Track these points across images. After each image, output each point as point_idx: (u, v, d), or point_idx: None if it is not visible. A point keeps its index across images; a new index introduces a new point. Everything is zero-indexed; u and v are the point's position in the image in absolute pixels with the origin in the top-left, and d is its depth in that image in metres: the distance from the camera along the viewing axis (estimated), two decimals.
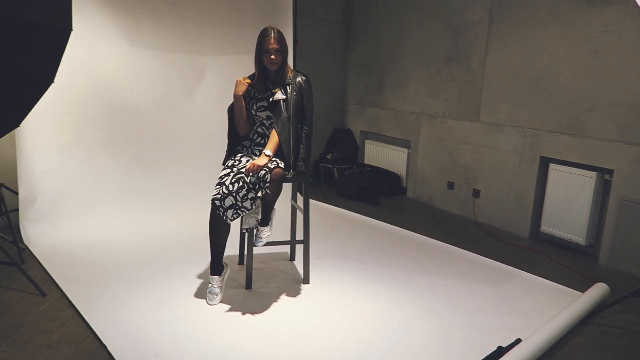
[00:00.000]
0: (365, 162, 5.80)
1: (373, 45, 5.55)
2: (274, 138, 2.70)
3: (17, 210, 3.55)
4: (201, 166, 4.31)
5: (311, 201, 4.17)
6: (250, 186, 2.56)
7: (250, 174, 2.56)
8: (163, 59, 4.08)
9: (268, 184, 2.51)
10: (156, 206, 4.02)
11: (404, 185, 5.34)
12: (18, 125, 2.34)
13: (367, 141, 5.81)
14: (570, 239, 3.73)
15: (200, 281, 2.96)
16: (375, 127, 5.65)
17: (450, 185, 4.73)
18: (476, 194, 4.46)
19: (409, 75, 5.11)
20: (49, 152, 3.61)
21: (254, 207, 2.60)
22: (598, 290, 2.87)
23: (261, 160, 2.58)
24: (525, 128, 3.98)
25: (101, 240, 3.53)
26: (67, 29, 2.34)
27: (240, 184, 2.58)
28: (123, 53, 3.86)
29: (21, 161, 3.50)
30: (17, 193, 3.53)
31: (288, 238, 3.35)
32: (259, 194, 2.55)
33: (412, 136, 5.14)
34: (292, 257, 3.36)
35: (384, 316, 2.65)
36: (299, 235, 3.26)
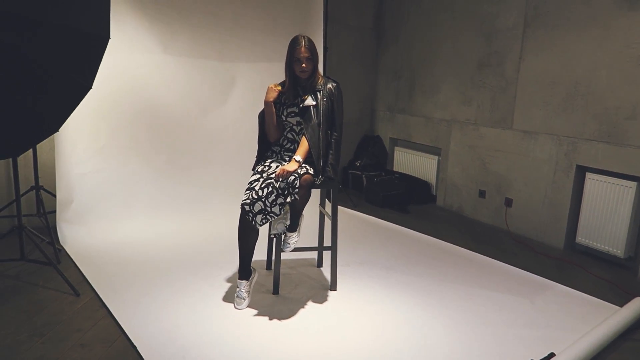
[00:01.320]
0: (395, 169, 5.76)
1: (404, 51, 5.51)
2: (304, 144, 2.71)
3: (54, 212, 3.66)
4: (232, 171, 4.36)
5: (339, 208, 4.17)
6: (280, 192, 2.57)
7: (280, 179, 2.57)
8: (196, 66, 4.16)
9: (297, 190, 2.52)
10: (187, 210, 4.08)
11: (434, 193, 5.27)
12: (57, 130, 2.42)
13: (396, 148, 5.77)
14: (608, 251, 3.60)
15: (228, 285, 2.98)
16: (405, 134, 5.61)
17: (482, 194, 4.64)
18: (508, 202, 4.36)
19: (440, 82, 5.05)
20: (85, 156, 3.71)
21: (282, 212, 2.61)
22: (637, 304, 2.76)
23: (291, 166, 2.59)
24: (560, 136, 3.88)
25: (134, 242, 3.60)
26: (105, 37, 2.41)
27: (270, 189, 2.59)
28: (158, 60, 3.95)
29: (59, 165, 3.61)
30: (55, 195, 3.64)
31: (316, 244, 3.34)
32: (288, 200, 2.56)
33: (443, 143, 5.07)
34: (320, 264, 3.36)
35: (411, 326, 2.61)
36: (327, 242, 3.25)
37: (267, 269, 3.27)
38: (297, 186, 2.52)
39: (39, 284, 2.91)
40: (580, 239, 3.79)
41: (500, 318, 2.72)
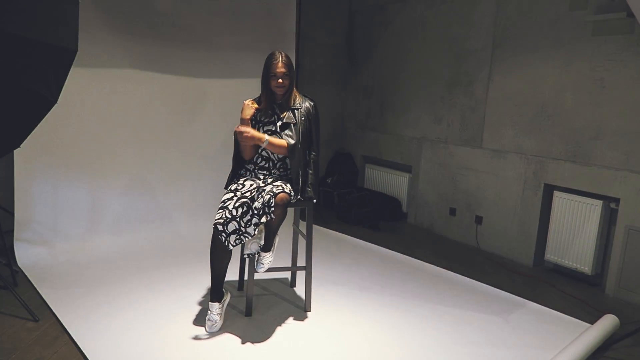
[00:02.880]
0: (365, 186, 5.76)
1: (375, 70, 5.56)
2: (279, 140, 2.67)
3: (11, 231, 3.47)
4: (202, 188, 4.27)
5: (303, 223, 4.11)
6: (255, 211, 2.50)
7: (242, 134, 2.59)
8: (166, 81, 4.06)
9: (273, 209, 2.46)
10: (156, 229, 3.95)
11: (405, 211, 5.29)
12: (19, 146, 2.29)
13: (367, 165, 5.78)
14: (576, 268, 3.67)
15: (199, 307, 2.87)
16: (376, 151, 5.63)
17: (452, 212, 4.68)
18: (479, 220, 4.41)
19: (410, 101, 5.11)
20: (46, 172, 3.55)
21: (257, 232, 2.54)
22: (608, 322, 2.81)
23: (257, 135, 2.62)
24: (529, 155, 3.96)
25: (98, 263, 3.45)
26: (73, 50, 2.31)
27: (245, 208, 2.52)
28: (126, 74, 3.84)
29: (18, 180, 3.43)
30: (12, 213, 3.45)
31: (289, 263, 3.28)
32: (263, 220, 2.49)
33: (414, 161, 5.11)
34: (293, 284, 3.28)
35: (389, 346, 2.56)
36: (300, 261, 3.19)
37: (239, 289, 3.17)
38: (272, 205, 2.46)
39: None
40: (549, 256, 3.85)
41: (476, 338, 2.71)
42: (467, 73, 4.46)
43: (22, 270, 3.26)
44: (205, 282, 3.17)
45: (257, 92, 4.57)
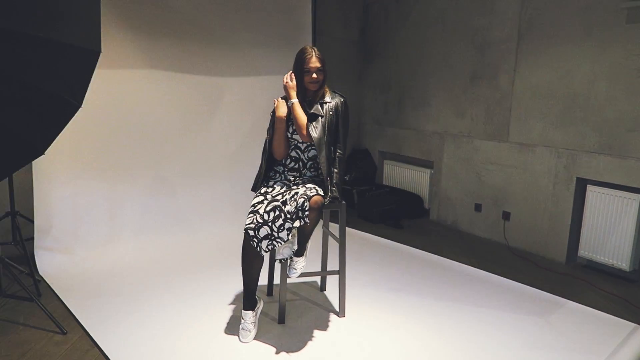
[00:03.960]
0: (384, 182, 5.64)
1: (392, 64, 5.43)
2: (303, 115, 2.58)
3: (32, 239, 3.38)
4: (221, 190, 4.18)
5: (333, 225, 4.02)
6: (288, 215, 2.39)
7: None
8: (184, 81, 3.96)
9: (307, 213, 2.35)
10: (178, 233, 3.86)
11: (427, 207, 5.17)
12: (43, 153, 2.19)
13: (385, 161, 5.66)
14: (613, 265, 3.54)
15: (230, 315, 2.77)
16: (394, 147, 5.51)
17: (478, 207, 4.56)
18: (506, 216, 4.28)
19: (431, 94, 4.98)
20: (66, 178, 3.46)
21: (290, 237, 2.43)
22: None
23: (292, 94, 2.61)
24: (559, 148, 3.83)
25: (121, 269, 3.35)
26: (96, 51, 2.21)
27: (277, 213, 2.41)
28: (144, 75, 3.74)
29: (37, 188, 3.35)
30: (32, 221, 3.37)
31: (319, 267, 3.17)
32: (297, 224, 2.38)
33: (435, 156, 4.99)
34: (323, 287, 3.18)
35: (429, 353, 2.46)
36: (331, 265, 3.09)
37: (268, 295, 3.07)
38: (307, 209, 2.35)
39: (20, 321, 2.64)
40: (583, 252, 3.73)
41: (518, 341, 2.60)
42: (491, 65, 4.32)
43: (44, 279, 3.17)
44: (234, 289, 3.08)
45: (275, 89, 4.48)
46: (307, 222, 2.36)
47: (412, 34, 5.15)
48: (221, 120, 4.20)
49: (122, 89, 3.65)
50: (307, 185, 2.47)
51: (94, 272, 3.29)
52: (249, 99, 4.32)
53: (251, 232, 2.43)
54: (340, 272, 2.77)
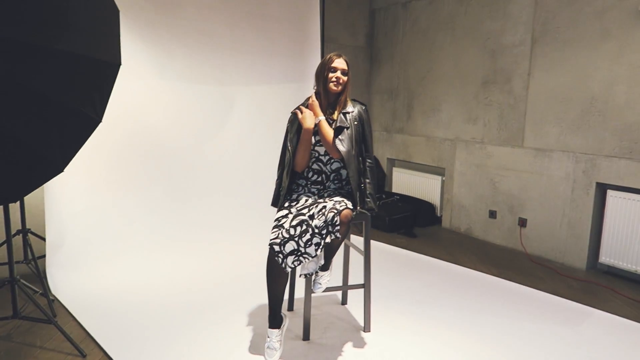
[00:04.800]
0: (393, 190, 5.58)
1: (400, 70, 5.38)
2: (329, 130, 2.50)
3: (44, 256, 3.29)
4: (235, 202, 4.09)
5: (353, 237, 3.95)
6: (316, 230, 2.31)
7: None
8: (194, 91, 3.89)
9: (338, 228, 2.27)
10: (192, 247, 3.76)
11: (438, 215, 5.10)
12: (62, 170, 2.12)
13: (394, 169, 5.60)
14: (636, 271, 3.48)
15: (252, 333, 2.69)
16: (404, 154, 5.45)
17: (492, 214, 4.49)
18: (522, 223, 4.22)
19: (441, 101, 4.93)
20: (77, 193, 3.38)
21: (318, 253, 2.34)
22: None
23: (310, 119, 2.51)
24: (577, 153, 3.78)
25: (136, 287, 3.25)
26: (116, 64, 2.14)
27: (304, 227, 2.33)
28: (154, 86, 3.67)
29: (48, 204, 3.26)
30: (43, 239, 3.28)
31: (340, 281, 3.09)
32: (327, 240, 2.29)
33: (447, 163, 4.93)
34: (344, 301, 3.10)
35: None
36: (353, 278, 3.02)
37: (289, 309, 2.99)
38: (337, 223, 2.27)
39: (37, 344, 2.54)
40: (604, 258, 3.67)
41: (554, 355, 2.53)
42: (504, 70, 4.27)
43: (57, 298, 3.08)
44: (255, 305, 3.00)
45: (285, 98, 4.42)
46: (339, 237, 2.28)
47: (421, 39, 5.10)
48: (231, 131, 4.13)
49: (132, 101, 3.57)
50: (335, 199, 2.39)
51: (108, 289, 3.20)
52: (258, 109, 4.26)
53: (276, 248, 2.35)
54: (366, 286, 2.70)
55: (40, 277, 2.94)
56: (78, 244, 3.37)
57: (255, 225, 4.03)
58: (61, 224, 3.31)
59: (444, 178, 5.01)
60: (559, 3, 3.81)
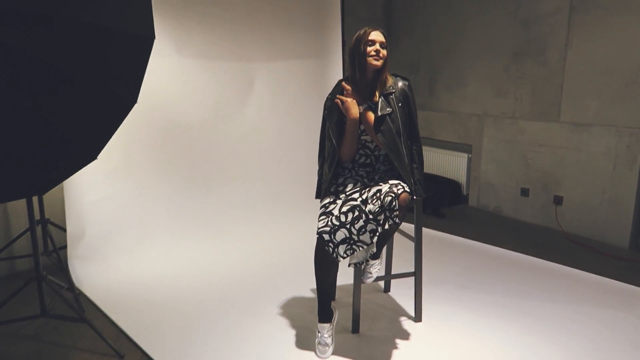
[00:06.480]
0: None
1: (420, 42, 5.14)
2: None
3: (64, 247, 3.11)
4: (256, 181, 3.90)
5: None
6: (370, 216, 2.13)
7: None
8: (213, 68, 3.66)
9: (397, 212, 2.08)
10: (219, 233, 3.58)
11: (465, 193, 4.93)
12: (96, 157, 1.91)
13: None
14: None
15: (296, 326, 2.52)
16: (427, 131, 5.24)
17: (524, 192, 4.32)
18: (558, 200, 4.05)
19: (467, 74, 4.71)
20: (97, 180, 3.17)
21: (374, 241, 2.16)
22: None
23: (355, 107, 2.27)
24: (620, 127, 3.59)
25: (165, 277, 3.08)
26: (149, 37, 1.91)
27: (356, 213, 2.15)
28: (173, 64, 3.43)
29: (68, 192, 3.06)
30: (64, 229, 3.09)
31: (383, 268, 2.92)
32: (387, 226, 2.11)
33: (474, 140, 4.73)
34: (387, 288, 2.94)
35: (522, 356, 2.23)
36: (397, 267, 2.86)
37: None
38: (396, 208, 2.08)
39: (68, 344, 2.37)
40: None
41: (618, 343, 2.38)
42: (538, 40, 4.04)
43: (82, 292, 2.90)
44: (295, 296, 2.84)
45: (308, 75, 4.19)
46: (398, 223, 2.10)
47: (443, 9, 4.85)
48: (252, 109, 3.90)
49: (148, 80, 3.28)
50: (391, 182, 2.19)
51: (136, 281, 3.02)
52: (278, 85, 4.03)
53: (326, 237, 2.17)
54: (417, 274, 2.53)
55: (65, 269, 2.76)
56: (99, 233, 3.18)
57: (278, 213, 3.87)
58: (81, 213, 3.12)
59: (470, 155, 4.82)
60: None
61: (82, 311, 2.63)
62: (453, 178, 4.98)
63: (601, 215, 3.77)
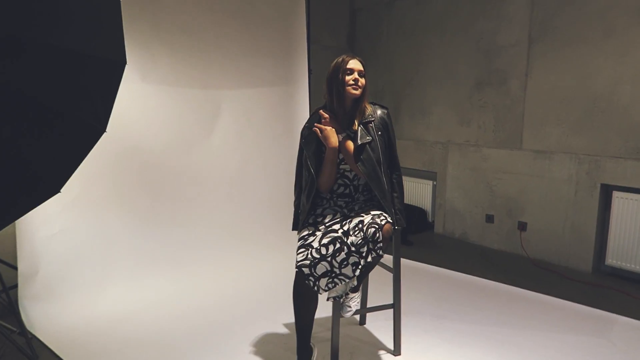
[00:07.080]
0: None
1: (384, 72, 5.21)
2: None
3: (15, 287, 2.86)
4: (223, 212, 3.76)
5: None
6: (353, 249, 2.06)
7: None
8: (178, 95, 3.54)
9: (380, 244, 2.03)
10: (182, 267, 3.40)
11: (430, 220, 4.96)
12: (59, 191, 1.76)
13: None
14: None
15: None
16: None
17: (489, 219, 4.39)
18: (522, 226, 4.13)
19: (431, 103, 4.79)
20: (53, 212, 2.96)
21: (357, 274, 2.09)
22: None
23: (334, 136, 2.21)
24: (580, 154, 3.71)
25: (124, 318, 2.87)
26: (120, 62, 1.81)
27: (337, 245, 2.08)
28: (136, 90, 3.29)
29: (20, 227, 2.83)
30: (15, 268, 2.85)
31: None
32: (370, 258, 2.04)
33: (439, 167, 4.79)
34: (362, 321, 2.86)
35: None
36: (373, 300, 2.79)
37: None
38: (379, 240, 2.03)
39: None
40: (611, 260, 3.62)
41: None
42: (500, 70, 4.17)
43: (35, 336, 2.66)
44: (266, 332, 2.70)
45: (274, 102, 4.14)
46: (381, 255, 2.04)
47: (407, 40, 4.95)
48: (218, 137, 3.79)
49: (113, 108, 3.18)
50: (373, 212, 2.14)
51: (92, 323, 2.80)
52: (244, 113, 3.95)
53: (306, 270, 2.08)
54: (395, 306, 2.47)
55: (16, 311, 2.52)
56: (54, 271, 2.95)
57: (245, 243, 3.75)
58: (35, 249, 2.89)
59: (435, 182, 4.87)
60: (558, 3, 3.74)
61: (35, 357, 2.41)
62: (418, 205, 5.01)
63: (564, 241, 3.86)
